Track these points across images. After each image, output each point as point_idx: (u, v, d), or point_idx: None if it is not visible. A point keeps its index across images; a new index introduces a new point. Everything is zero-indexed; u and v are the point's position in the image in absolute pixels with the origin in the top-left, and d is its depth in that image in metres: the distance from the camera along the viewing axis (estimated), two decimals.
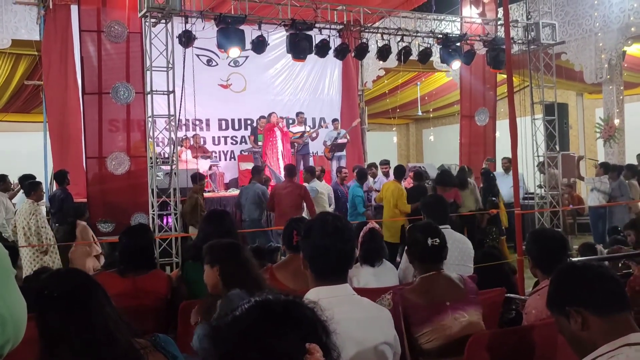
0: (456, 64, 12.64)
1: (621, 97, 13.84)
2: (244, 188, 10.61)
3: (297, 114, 14.24)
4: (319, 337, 1.36)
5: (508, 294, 4.30)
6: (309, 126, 14.61)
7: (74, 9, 11.16)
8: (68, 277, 2.03)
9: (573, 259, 3.86)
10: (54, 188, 10.22)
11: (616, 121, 13.65)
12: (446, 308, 3.11)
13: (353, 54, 11.80)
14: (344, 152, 14.05)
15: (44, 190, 9.83)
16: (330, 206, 10.58)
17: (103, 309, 1.94)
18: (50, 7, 11.77)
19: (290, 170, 10.09)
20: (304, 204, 9.52)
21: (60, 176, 9.80)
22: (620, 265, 5.50)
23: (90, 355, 1.84)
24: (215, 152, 14.37)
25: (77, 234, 8.71)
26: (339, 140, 13.83)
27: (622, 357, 1.80)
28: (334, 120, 14.41)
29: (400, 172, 10.60)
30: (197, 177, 10.15)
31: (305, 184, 10.25)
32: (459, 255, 4.53)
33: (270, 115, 13.35)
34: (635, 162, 13.08)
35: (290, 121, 15.05)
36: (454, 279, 3.28)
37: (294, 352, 1.29)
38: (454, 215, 9.19)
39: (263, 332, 1.32)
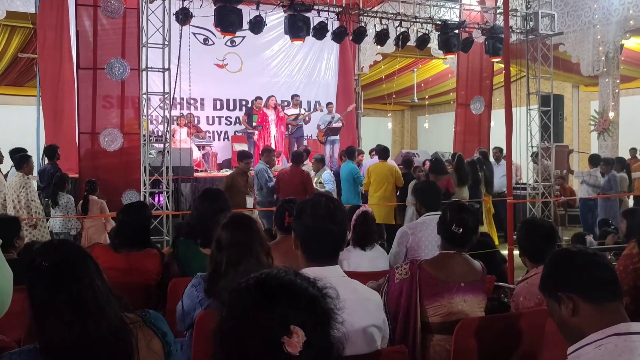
0: (453, 52, 12.61)
1: (617, 91, 13.87)
2: None
3: (293, 97, 14.21)
4: (313, 321, 1.36)
5: (497, 283, 4.33)
6: (304, 109, 14.57)
7: None
8: (59, 248, 2.00)
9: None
10: (45, 162, 10.16)
11: (611, 114, 13.68)
12: (459, 288, 3.17)
13: (351, 38, 11.76)
14: (337, 137, 14.02)
15: (35, 164, 9.77)
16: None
17: (93, 282, 1.92)
18: None
19: (296, 157, 9.92)
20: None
21: (50, 151, 9.73)
22: (610, 257, 5.54)
23: (79, 327, 1.83)
24: (209, 132, 14.33)
25: (95, 210, 8.71)
26: (334, 125, 13.80)
27: (610, 346, 1.80)
28: (329, 104, 14.38)
29: (385, 152, 10.43)
30: (243, 156, 9.55)
31: (313, 173, 10.11)
32: None
33: (268, 98, 13.32)
34: (625, 156, 13.14)
35: (285, 103, 15.02)
36: (474, 264, 3.34)
37: (277, 330, 1.32)
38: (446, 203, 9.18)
39: (253, 306, 1.36)
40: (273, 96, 13.42)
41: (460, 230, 3.24)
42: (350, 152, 10.69)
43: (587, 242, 6.39)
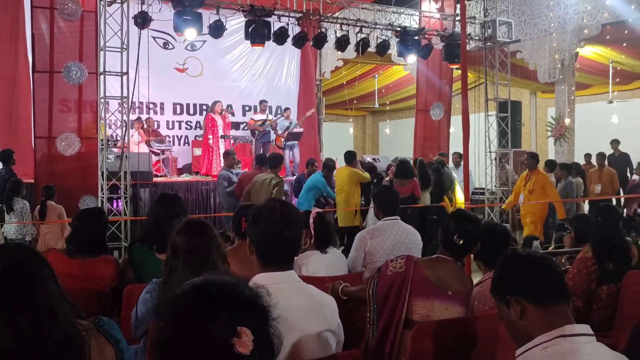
0: (412, 58, 12.73)
1: (572, 98, 14.16)
2: None
3: (261, 102, 14.15)
4: (255, 321, 1.37)
5: None
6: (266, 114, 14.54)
7: None
8: (13, 251, 1.96)
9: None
10: (0, 167, 9.95)
11: (567, 121, 13.96)
12: (445, 296, 3.22)
13: (311, 43, 11.79)
14: (296, 142, 13.96)
15: None
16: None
17: (47, 287, 1.88)
18: None
19: (259, 159, 9.84)
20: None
21: (5, 155, 9.53)
22: (563, 260, 5.64)
23: (31, 334, 1.79)
24: (169, 137, 14.19)
25: (53, 216, 8.53)
26: (295, 130, 13.79)
27: (556, 347, 1.84)
28: (286, 109, 14.35)
29: (350, 157, 10.25)
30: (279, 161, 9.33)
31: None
32: (408, 245, 4.57)
33: (214, 103, 13.25)
34: (580, 161, 13.42)
35: (247, 108, 14.99)
36: (465, 276, 3.41)
37: (225, 333, 1.31)
38: (410, 208, 9.20)
39: (196, 311, 1.35)
40: (219, 102, 13.34)
41: (461, 242, 3.29)
42: (329, 167, 10.51)
43: (533, 246, 6.53)
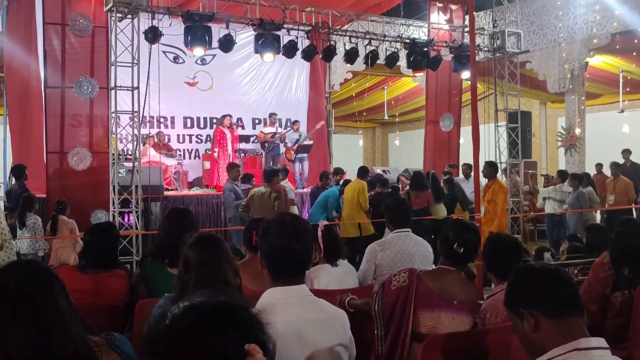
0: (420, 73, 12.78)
1: (582, 107, 14.13)
2: None
3: (270, 115, 14.20)
4: (256, 335, 1.32)
5: None
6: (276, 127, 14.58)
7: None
8: (24, 268, 1.97)
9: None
10: (13, 182, 10.01)
11: (577, 130, 13.92)
12: (451, 306, 3.21)
13: (320, 56, 11.83)
14: (306, 155, 13.98)
15: (2, 184, 9.64)
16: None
17: (59, 303, 1.88)
18: None
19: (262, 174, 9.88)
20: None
21: (17, 171, 9.60)
22: (576, 272, 5.61)
23: (42, 350, 1.79)
24: (180, 150, 14.24)
25: (65, 230, 8.55)
26: (305, 142, 13.81)
27: None
28: (295, 122, 14.38)
29: (363, 172, 10.42)
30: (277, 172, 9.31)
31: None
32: (419, 257, 4.56)
33: (223, 117, 13.30)
34: (591, 171, 13.35)
35: (257, 121, 15.03)
36: (469, 284, 3.38)
37: (234, 354, 1.25)
38: (426, 220, 9.16)
39: (199, 335, 1.27)
40: (228, 115, 13.41)
41: (462, 250, 3.28)
42: (345, 183, 10.60)
43: (544, 258, 6.50)
